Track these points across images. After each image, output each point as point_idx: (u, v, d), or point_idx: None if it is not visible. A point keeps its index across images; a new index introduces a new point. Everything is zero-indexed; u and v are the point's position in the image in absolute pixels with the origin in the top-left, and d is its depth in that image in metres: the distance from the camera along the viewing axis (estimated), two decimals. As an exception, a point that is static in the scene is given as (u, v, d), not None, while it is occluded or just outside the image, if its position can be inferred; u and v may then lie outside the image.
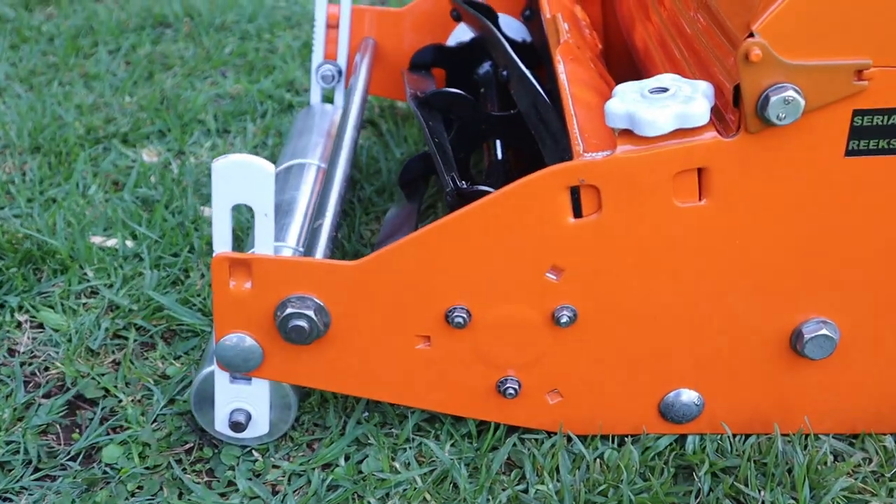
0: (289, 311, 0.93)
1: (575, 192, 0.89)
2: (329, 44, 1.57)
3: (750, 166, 0.87)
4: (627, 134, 0.87)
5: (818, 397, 0.99)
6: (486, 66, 1.47)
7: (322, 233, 1.07)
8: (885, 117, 0.85)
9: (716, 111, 0.89)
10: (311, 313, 0.94)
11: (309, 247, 1.04)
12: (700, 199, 0.89)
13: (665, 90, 0.87)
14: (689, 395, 0.99)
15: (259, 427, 1.03)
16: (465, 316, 0.94)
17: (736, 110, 0.86)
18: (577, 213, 0.90)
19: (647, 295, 0.93)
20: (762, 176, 0.87)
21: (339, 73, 1.56)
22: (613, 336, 0.96)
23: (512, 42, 1.33)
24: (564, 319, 0.93)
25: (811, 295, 0.93)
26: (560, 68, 1.08)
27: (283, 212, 1.24)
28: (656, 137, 0.86)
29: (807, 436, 1.00)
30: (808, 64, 0.82)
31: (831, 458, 0.98)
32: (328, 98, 1.61)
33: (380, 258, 0.93)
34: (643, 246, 0.91)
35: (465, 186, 1.00)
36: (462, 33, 1.54)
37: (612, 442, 1.02)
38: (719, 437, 1.01)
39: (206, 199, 1.50)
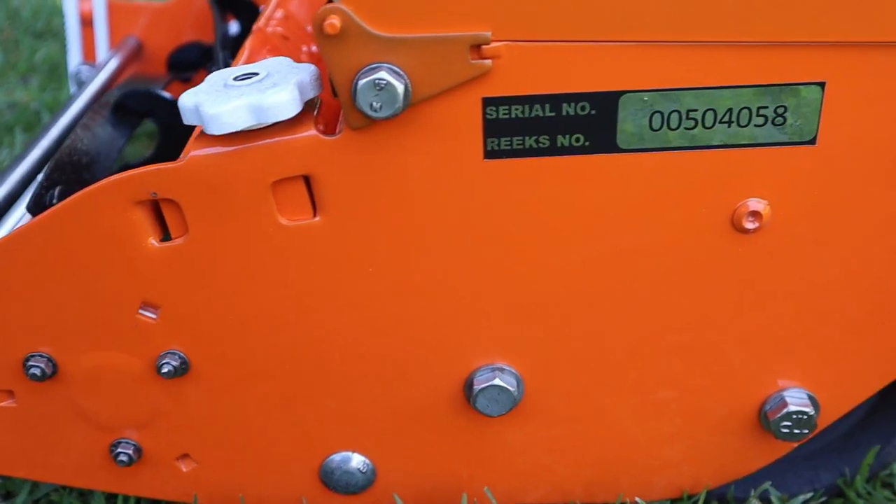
0: None
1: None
2: (89, 44, 1.38)
3: (364, 173, 0.67)
4: (205, 134, 0.68)
5: (516, 461, 0.80)
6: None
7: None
8: (526, 107, 0.65)
9: (329, 105, 0.70)
10: None
11: None
12: (315, 216, 0.70)
13: (254, 75, 0.67)
14: (356, 461, 0.80)
15: None
16: (42, 366, 0.74)
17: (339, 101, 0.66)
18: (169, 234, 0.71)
19: (269, 338, 0.74)
20: (383, 185, 0.68)
21: (100, 76, 1.37)
22: (241, 388, 0.76)
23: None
24: (167, 369, 0.74)
25: (478, 336, 0.74)
26: (242, 58, 0.89)
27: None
28: (236, 137, 0.66)
29: (509, 509, 0.81)
30: (408, 37, 0.62)
31: (520, 540, 0.78)
32: (96, 105, 1.42)
33: (-72, 293, 0.73)
34: (249, 277, 0.71)
35: (56, 200, 0.80)
36: (236, 28, 1.35)
37: (275, 517, 0.82)
38: (401, 510, 0.81)
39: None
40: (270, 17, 0.98)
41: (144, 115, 1.05)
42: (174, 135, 1.04)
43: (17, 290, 0.72)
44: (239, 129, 0.65)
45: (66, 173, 0.84)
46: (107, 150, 0.94)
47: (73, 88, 1.37)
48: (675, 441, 0.79)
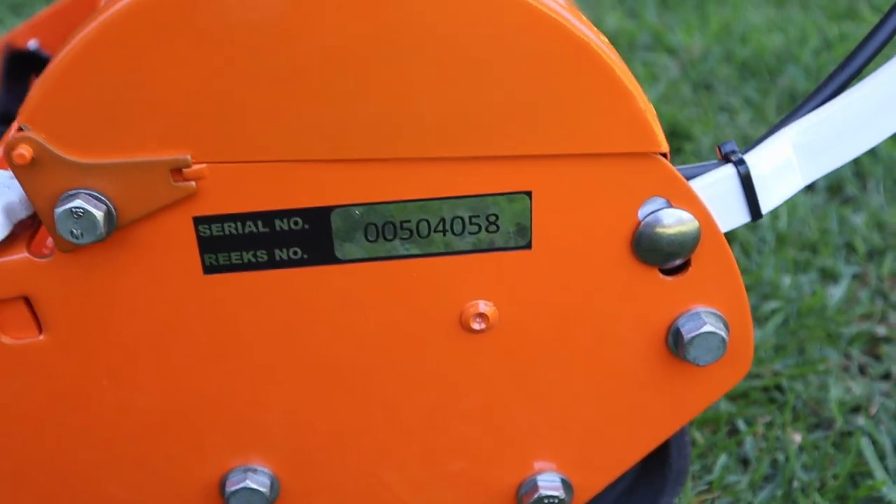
0: None
1: None
2: None
3: (83, 292, 0.66)
4: (-85, 257, 0.66)
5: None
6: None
7: None
8: (239, 224, 0.65)
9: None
10: None
11: None
12: (40, 334, 0.68)
13: (-37, 198, 0.66)
14: (120, 563, 0.79)
15: None
16: None
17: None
18: None
19: (10, 454, 0.72)
20: (105, 303, 0.67)
21: None
22: (-12, 502, 0.75)
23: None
24: None
25: (226, 440, 0.73)
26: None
27: None
28: (-56, 261, 0.65)
29: None
30: (106, 163, 0.62)
31: None
32: None
33: None
34: (-23, 395, 0.70)
35: None
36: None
37: None
38: None
39: None
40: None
41: None
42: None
43: None
44: (-64, 255, 0.63)
45: None
46: None
47: None
48: None
